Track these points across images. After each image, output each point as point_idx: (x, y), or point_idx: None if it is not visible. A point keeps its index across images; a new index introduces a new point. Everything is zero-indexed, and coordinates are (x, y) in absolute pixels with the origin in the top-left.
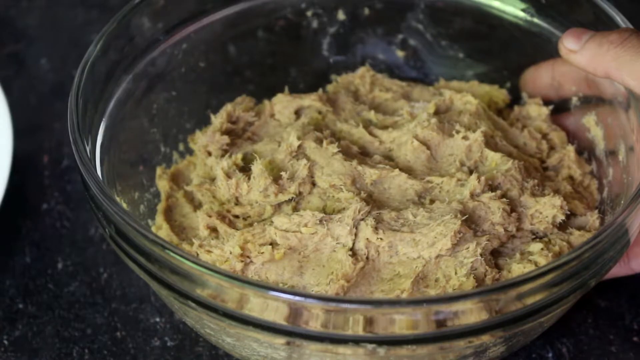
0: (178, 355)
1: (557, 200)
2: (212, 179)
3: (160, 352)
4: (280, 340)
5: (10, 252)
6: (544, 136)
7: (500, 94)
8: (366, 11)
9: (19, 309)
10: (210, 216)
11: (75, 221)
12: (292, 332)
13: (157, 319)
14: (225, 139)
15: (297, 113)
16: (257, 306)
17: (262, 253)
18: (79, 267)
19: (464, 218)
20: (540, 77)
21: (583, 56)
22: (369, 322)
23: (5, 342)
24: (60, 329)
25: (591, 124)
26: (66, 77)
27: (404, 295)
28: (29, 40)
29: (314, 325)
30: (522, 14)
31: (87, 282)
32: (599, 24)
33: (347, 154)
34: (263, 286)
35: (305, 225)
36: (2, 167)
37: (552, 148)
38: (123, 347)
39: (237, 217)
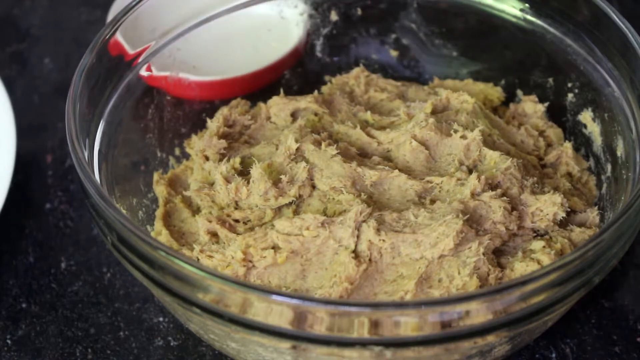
0: (181, 354)
1: (558, 198)
2: (211, 184)
3: (163, 351)
4: (285, 345)
5: (13, 252)
6: (541, 133)
7: (495, 92)
8: (359, 11)
9: (22, 308)
10: (210, 221)
11: (79, 221)
12: (298, 336)
13: (161, 319)
14: (223, 143)
15: (293, 115)
16: (262, 311)
17: (265, 257)
18: (82, 267)
19: (465, 218)
20: None
21: None
22: (375, 324)
23: (9, 341)
24: (64, 329)
25: (588, 120)
26: (69, 76)
27: (408, 296)
28: (33, 40)
29: (319, 328)
30: (516, 12)
31: (90, 282)
32: (595, 22)
33: (346, 155)
34: (266, 290)
35: (307, 229)
36: (6, 166)
37: (549, 145)
38: (126, 347)
39: (237, 221)
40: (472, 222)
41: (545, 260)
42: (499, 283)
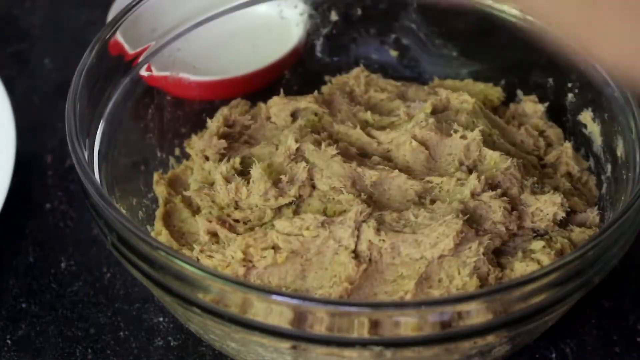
0: (181, 354)
1: (557, 198)
2: (211, 184)
3: (163, 352)
4: (285, 345)
5: (13, 252)
6: (541, 133)
7: (495, 92)
8: (359, 11)
9: (22, 308)
10: (210, 221)
11: (79, 221)
12: (298, 336)
13: (161, 319)
14: (223, 143)
15: (293, 115)
16: (262, 311)
17: (265, 257)
18: (82, 267)
19: (465, 218)
20: None
21: None
22: (375, 324)
23: (9, 341)
24: (64, 329)
25: (588, 120)
26: (69, 76)
27: (408, 297)
28: (33, 40)
29: (319, 328)
30: (516, 12)
31: (90, 282)
32: None
33: (346, 155)
34: (266, 290)
35: (307, 229)
36: (6, 166)
37: (549, 145)
38: (126, 347)
39: (237, 221)
40: (472, 222)
41: (545, 260)
42: (499, 283)
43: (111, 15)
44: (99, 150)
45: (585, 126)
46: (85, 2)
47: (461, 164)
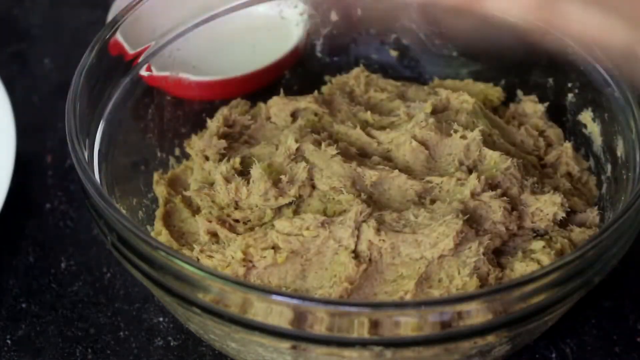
0: (181, 354)
1: (557, 198)
2: (211, 184)
3: (163, 351)
4: (285, 345)
5: (13, 252)
6: (541, 133)
7: (495, 92)
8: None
9: (22, 308)
10: (210, 221)
11: (79, 221)
12: (298, 336)
13: (161, 319)
14: (223, 143)
15: (294, 115)
16: (262, 311)
17: (265, 257)
18: (82, 267)
19: (465, 218)
20: None
21: None
22: (374, 324)
23: (9, 341)
24: (64, 329)
25: (588, 120)
26: (69, 76)
27: (408, 296)
28: (33, 40)
29: (319, 328)
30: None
31: (90, 282)
32: None
33: (346, 155)
34: (266, 290)
35: (307, 229)
36: (6, 166)
37: (549, 145)
38: (126, 347)
39: (237, 221)
40: (472, 222)
41: (545, 260)
42: (499, 283)
43: (111, 15)
44: (99, 150)
45: (585, 126)
46: (85, 2)
47: (461, 164)
